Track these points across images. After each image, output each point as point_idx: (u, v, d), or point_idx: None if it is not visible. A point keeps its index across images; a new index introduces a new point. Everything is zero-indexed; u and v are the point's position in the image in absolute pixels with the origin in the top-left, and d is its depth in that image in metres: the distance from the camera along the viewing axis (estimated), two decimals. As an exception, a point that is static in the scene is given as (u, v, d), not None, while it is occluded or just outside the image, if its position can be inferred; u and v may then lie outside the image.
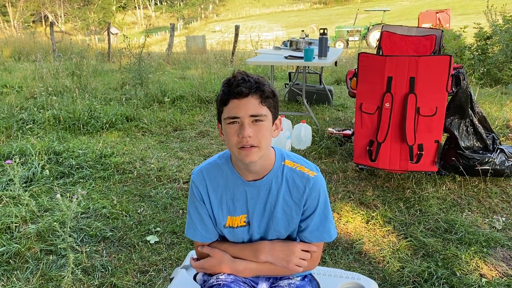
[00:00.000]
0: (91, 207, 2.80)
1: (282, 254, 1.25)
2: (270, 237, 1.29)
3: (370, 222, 2.63)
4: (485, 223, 2.60)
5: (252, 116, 1.12)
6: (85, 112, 4.78)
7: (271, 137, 1.18)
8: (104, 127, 4.61)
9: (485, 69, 6.90)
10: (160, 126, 4.76)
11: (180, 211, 2.80)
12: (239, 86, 1.11)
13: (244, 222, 1.27)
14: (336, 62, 5.23)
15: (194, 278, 1.39)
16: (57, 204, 2.78)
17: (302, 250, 1.26)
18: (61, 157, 3.54)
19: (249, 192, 1.25)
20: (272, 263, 1.26)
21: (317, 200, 1.25)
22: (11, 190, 2.95)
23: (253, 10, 65.30)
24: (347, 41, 19.55)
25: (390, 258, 2.25)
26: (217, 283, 1.21)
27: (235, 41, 10.47)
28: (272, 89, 1.17)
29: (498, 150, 3.06)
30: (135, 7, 67.25)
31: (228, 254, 1.28)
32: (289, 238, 1.31)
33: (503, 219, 2.62)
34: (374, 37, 17.21)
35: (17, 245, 2.31)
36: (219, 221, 1.28)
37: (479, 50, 7.30)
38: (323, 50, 4.28)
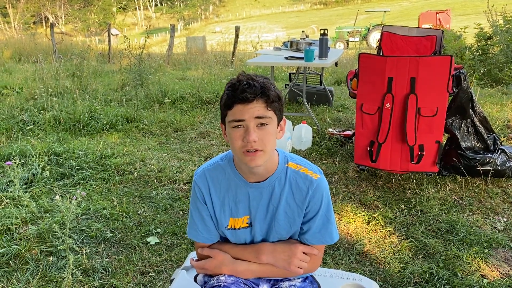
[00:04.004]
0: (91, 208, 2.79)
1: (284, 255, 1.25)
2: (272, 239, 1.28)
3: (371, 223, 2.62)
4: (486, 223, 2.59)
5: (257, 118, 1.11)
6: (86, 113, 4.77)
7: (276, 140, 1.18)
8: (104, 128, 4.60)
9: (485, 70, 6.90)
10: (160, 127, 4.76)
11: (181, 212, 2.80)
12: (245, 91, 1.10)
13: (247, 223, 1.27)
14: (336, 63, 5.22)
15: (195, 279, 1.39)
16: (57, 205, 2.77)
17: (304, 253, 1.26)
18: (61, 158, 3.54)
19: (251, 194, 1.24)
20: (273, 265, 1.25)
21: (320, 203, 1.24)
22: (11, 191, 2.95)
23: (253, 11, 65.37)
24: (348, 41, 19.57)
25: (391, 259, 2.24)
26: (217, 284, 1.21)
27: (235, 42, 10.48)
28: (278, 92, 1.15)
29: (499, 151, 3.06)
30: (136, 8, 67.32)
31: (229, 255, 1.27)
32: None
33: (504, 219, 2.61)
34: (374, 37, 17.23)
35: (17, 247, 2.30)
36: (221, 223, 1.28)
37: (479, 51, 7.29)
38: (324, 50, 4.28)
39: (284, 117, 1.22)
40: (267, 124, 1.13)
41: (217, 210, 1.27)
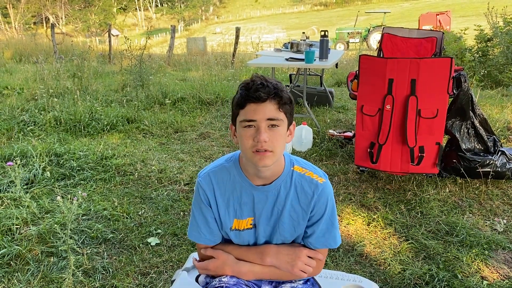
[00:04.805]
0: (92, 209, 2.80)
1: (288, 258, 1.25)
2: (275, 241, 1.29)
3: (371, 224, 2.63)
4: (486, 225, 2.60)
5: (269, 119, 1.12)
6: (86, 114, 4.78)
7: (285, 142, 1.18)
8: (105, 129, 4.61)
9: (485, 71, 6.91)
10: (161, 128, 4.76)
11: (181, 213, 2.80)
12: (258, 91, 1.11)
13: (251, 224, 1.27)
14: (336, 64, 5.23)
15: (197, 280, 1.39)
16: (58, 206, 2.78)
17: (308, 257, 1.26)
18: (62, 159, 3.54)
19: (256, 197, 1.24)
20: (277, 267, 1.26)
21: (325, 207, 1.24)
22: (12, 192, 2.95)
23: (254, 12, 65.45)
24: (348, 43, 19.60)
25: (391, 261, 2.25)
26: (219, 285, 1.21)
27: (236, 43, 10.48)
28: (289, 95, 1.17)
29: (499, 152, 3.06)
30: (136, 8, 67.37)
31: (233, 256, 1.28)
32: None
33: (504, 221, 2.61)
34: (374, 39, 17.25)
35: (18, 247, 2.30)
36: (225, 224, 1.28)
37: (479, 52, 7.31)
38: (324, 52, 4.28)
39: (294, 121, 1.23)
40: (278, 126, 1.14)
41: (222, 212, 1.27)
